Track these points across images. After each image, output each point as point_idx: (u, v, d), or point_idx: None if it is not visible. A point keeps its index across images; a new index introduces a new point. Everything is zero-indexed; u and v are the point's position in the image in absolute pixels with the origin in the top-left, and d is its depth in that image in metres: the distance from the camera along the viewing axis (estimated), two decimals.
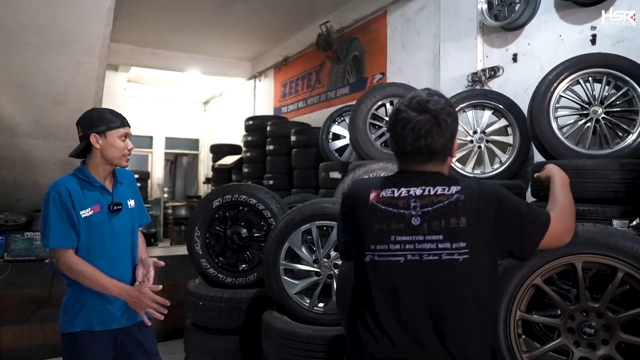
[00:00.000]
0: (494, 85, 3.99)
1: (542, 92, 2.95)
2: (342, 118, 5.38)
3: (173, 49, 8.57)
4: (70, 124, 5.33)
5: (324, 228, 2.82)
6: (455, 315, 1.30)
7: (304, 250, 2.80)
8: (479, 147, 3.67)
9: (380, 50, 5.58)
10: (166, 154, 12.95)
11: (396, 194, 1.37)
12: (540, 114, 2.92)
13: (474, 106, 3.64)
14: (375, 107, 4.34)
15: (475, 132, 3.68)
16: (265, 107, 9.10)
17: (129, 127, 2.11)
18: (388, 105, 4.36)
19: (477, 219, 1.31)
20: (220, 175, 9.18)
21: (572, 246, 1.61)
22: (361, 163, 3.97)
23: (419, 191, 1.35)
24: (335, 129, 5.39)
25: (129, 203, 2.14)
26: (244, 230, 3.46)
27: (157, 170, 12.36)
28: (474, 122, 3.67)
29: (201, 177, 12.72)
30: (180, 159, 14.53)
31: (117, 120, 2.05)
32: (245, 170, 7.79)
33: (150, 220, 2.38)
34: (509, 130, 3.59)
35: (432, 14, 4.71)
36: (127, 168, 2.20)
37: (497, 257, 1.41)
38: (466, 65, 4.21)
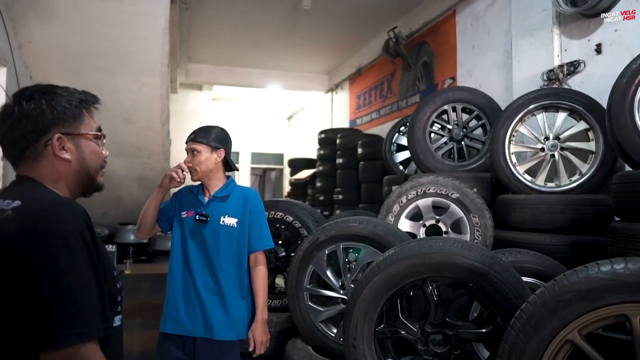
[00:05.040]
0: (574, 82, 3.39)
1: (624, 85, 2.38)
2: (406, 128, 4.99)
3: (250, 65, 8.76)
4: (140, 142, 5.62)
5: (351, 250, 2.51)
6: None
7: (329, 274, 2.52)
8: (552, 155, 3.10)
9: (450, 54, 5.12)
10: (253, 168, 13.31)
11: None
12: (620, 113, 2.35)
13: (545, 108, 3.09)
14: (435, 114, 3.93)
15: (547, 139, 3.12)
16: (341, 119, 8.93)
17: (191, 142, 2.12)
18: (451, 111, 3.93)
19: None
20: (297, 189, 9.15)
21: (624, 292, 1.16)
22: (416, 176, 3.58)
23: None
24: (400, 140, 5.02)
25: (223, 219, 2.08)
26: (282, 249, 3.25)
27: (243, 185, 12.72)
28: (544, 126, 3.12)
29: (285, 192, 12.88)
30: (269, 173, 14.86)
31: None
32: (318, 184, 7.64)
33: (271, 246, 2.16)
34: (590, 134, 2.99)
35: (502, 9, 4.19)
36: None
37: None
38: (541, 62, 3.64)
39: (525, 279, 2.20)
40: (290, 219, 3.18)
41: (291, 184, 9.32)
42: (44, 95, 1.08)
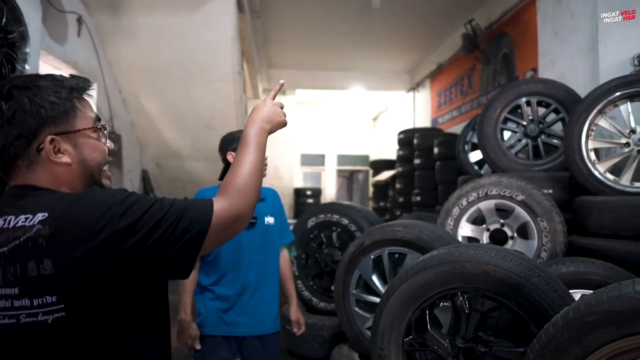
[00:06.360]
0: None
1: None
2: None
3: (331, 68, 8.82)
4: None
5: (396, 255, 2.41)
6: None
7: (375, 279, 2.44)
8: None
9: (530, 43, 4.72)
10: (340, 170, 13.37)
11: None
12: None
13: (630, 97, 2.72)
14: (507, 109, 3.64)
15: (632, 132, 2.74)
16: (423, 118, 8.66)
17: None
18: (525, 106, 3.61)
19: (71, 259, 0.86)
20: (379, 191, 9.04)
21: None
22: (483, 176, 3.35)
23: None
24: (474, 138, 4.72)
25: (266, 220, 2.17)
26: (338, 253, 3.22)
27: (330, 187, 12.83)
28: (629, 118, 2.74)
29: (370, 193, 12.78)
30: (356, 175, 14.83)
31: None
32: (398, 185, 7.48)
33: (293, 239, 2.31)
34: None
35: None
36: (269, 186, 2.30)
37: (128, 303, 0.93)
38: (632, 44, 3.21)
39: (588, 292, 1.94)
40: (345, 221, 3.14)
41: (373, 185, 9.23)
42: (25, 90, 0.93)
